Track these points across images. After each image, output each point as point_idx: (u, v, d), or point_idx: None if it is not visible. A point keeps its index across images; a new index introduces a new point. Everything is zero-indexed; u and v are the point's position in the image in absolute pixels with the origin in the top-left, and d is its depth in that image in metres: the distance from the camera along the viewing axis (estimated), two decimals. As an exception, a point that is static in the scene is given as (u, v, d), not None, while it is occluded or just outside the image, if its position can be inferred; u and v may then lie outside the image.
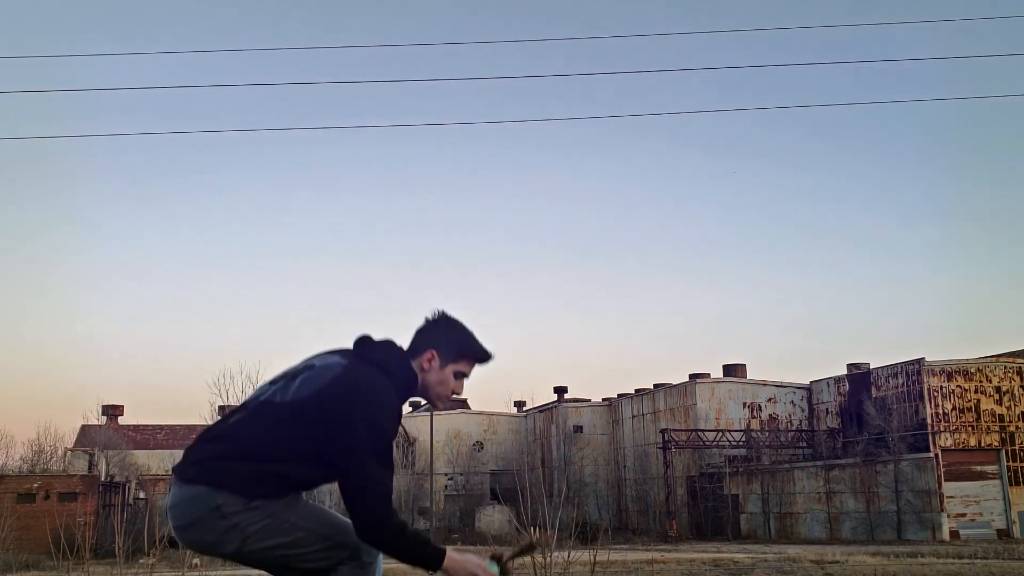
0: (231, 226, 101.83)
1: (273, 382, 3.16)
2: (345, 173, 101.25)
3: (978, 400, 46.86)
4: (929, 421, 45.84)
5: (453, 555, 3.04)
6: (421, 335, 3.24)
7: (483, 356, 3.28)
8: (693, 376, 58.31)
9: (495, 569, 3.17)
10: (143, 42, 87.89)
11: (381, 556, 3.14)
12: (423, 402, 71.49)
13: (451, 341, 3.23)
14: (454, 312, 3.31)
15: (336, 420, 2.93)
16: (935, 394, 46.57)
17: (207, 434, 3.16)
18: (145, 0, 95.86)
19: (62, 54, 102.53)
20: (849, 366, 54.53)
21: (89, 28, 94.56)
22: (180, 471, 3.07)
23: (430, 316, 3.27)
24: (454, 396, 3.31)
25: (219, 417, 3.25)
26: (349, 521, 3.06)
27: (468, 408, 72.29)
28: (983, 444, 46.20)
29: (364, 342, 3.17)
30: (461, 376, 3.26)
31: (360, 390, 2.97)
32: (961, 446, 45.90)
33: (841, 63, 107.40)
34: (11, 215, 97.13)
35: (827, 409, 55.04)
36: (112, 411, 71.82)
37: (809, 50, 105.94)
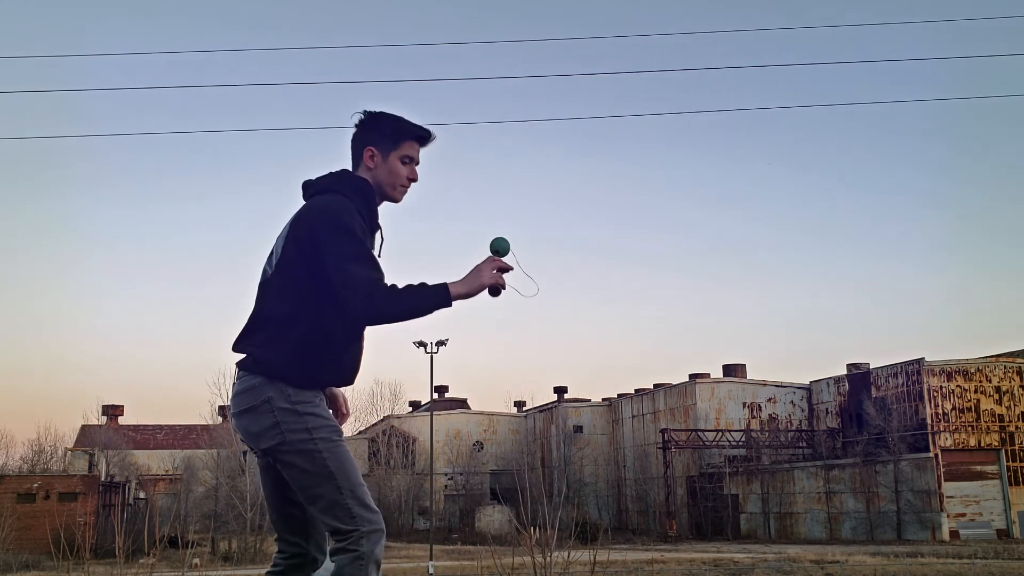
0: (231, 226, 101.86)
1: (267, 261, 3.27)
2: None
3: (978, 400, 46.85)
4: (929, 421, 45.83)
5: (455, 284, 2.99)
6: (355, 140, 3.25)
7: (420, 132, 3.26)
8: (693, 376, 58.31)
9: (502, 246, 3.08)
10: (143, 42, 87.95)
11: (380, 545, 3.13)
12: (423, 401, 70.61)
13: (383, 131, 3.22)
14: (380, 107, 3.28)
15: (311, 252, 3.02)
16: (935, 394, 46.56)
17: (244, 329, 3.23)
18: (145, 0, 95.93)
19: (62, 54, 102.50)
20: (849, 366, 54.53)
21: (90, 28, 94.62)
22: (240, 363, 3.18)
23: (355, 120, 3.26)
24: (410, 182, 3.28)
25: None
26: (367, 494, 3.08)
27: (468, 408, 72.31)
28: (983, 444, 46.18)
29: (305, 185, 3.25)
30: (409, 161, 3.24)
31: (313, 215, 3.06)
32: (961, 446, 45.89)
33: (841, 63, 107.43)
34: (12, 215, 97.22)
35: (827, 409, 55.03)
36: (112, 411, 71.91)
37: (809, 50, 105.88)
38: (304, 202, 3.26)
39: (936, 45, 73.99)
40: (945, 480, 44.00)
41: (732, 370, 59.47)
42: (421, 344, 39.46)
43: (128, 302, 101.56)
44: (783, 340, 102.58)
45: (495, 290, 3.04)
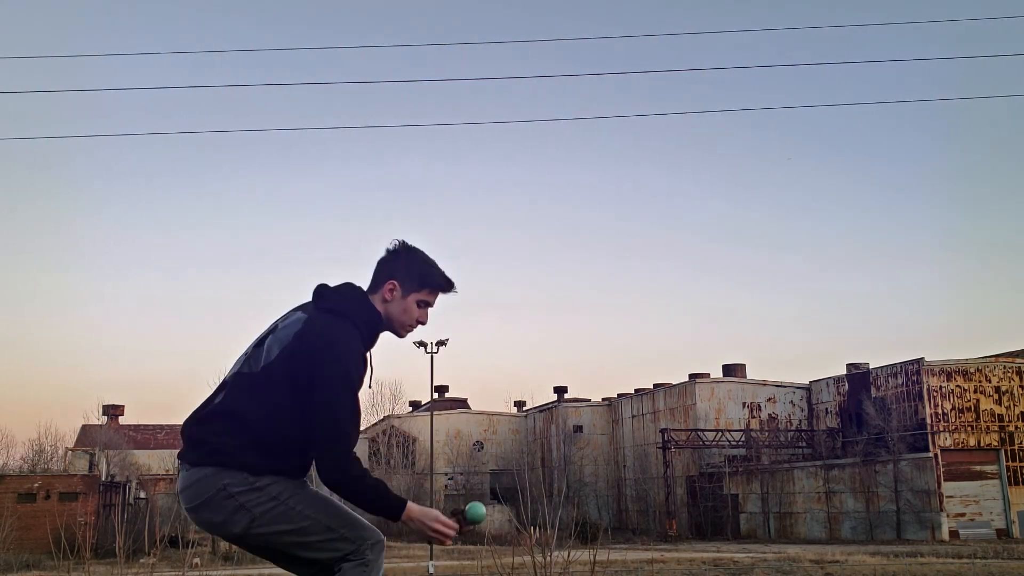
0: (231, 225, 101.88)
1: (246, 353, 3.19)
2: (346, 172, 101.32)
3: (977, 400, 46.88)
4: (928, 421, 45.87)
5: (414, 507, 3.06)
6: (381, 267, 3.25)
7: (445, 285, 3.27)
8: (693, 376, 58.34)
9: (475, 512, 3.19)
10: (143, 42, 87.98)
11: (383, 553, 3.16)
12: (424, 401, 70.68)
13: (411, 270, 3.23)
14: (414, 242, 3.30)
15: (305, 376, 2.96)
16: (935, 394, 46.59)
17: (200, 414, 3.16)
18: (146, 0, 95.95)
19: (62, 54, 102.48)
20: (849, 366, 54.55)
21: (91, 28, 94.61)
22: (185, 455, 3.12)
23: (390, 247, 3.26)
24: (419, 325, 3.29)
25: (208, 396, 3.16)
26: (355, 514, 3.11)
27: (468, 408, 72.34)
28: (982, 444, 46.22)
29: (321, 292, 3.18)
30: (424, 305, 3.25)
31: (322, 342, 2.99)
32: (960, 446, 45.93)
33: (841, 63, 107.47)
34: (11, 215, 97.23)
35: (827, 409, 55.06)
36: (112, 411, 71.94)
37: (809, 50, 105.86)
38: (314, 305, 3.17)
39: (936, 45, 74.03)
40: (945, 480, 44.04)
41: (732, 370, 59.49)
42: (421, 344, 39.60)
43: (128, 302, 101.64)
44: (783, 340, 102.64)
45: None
